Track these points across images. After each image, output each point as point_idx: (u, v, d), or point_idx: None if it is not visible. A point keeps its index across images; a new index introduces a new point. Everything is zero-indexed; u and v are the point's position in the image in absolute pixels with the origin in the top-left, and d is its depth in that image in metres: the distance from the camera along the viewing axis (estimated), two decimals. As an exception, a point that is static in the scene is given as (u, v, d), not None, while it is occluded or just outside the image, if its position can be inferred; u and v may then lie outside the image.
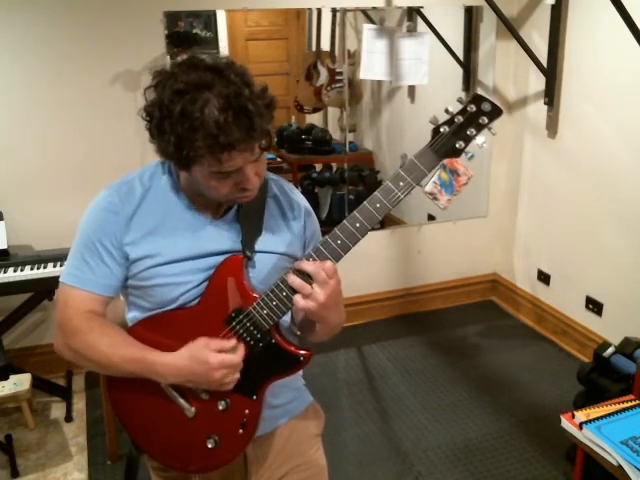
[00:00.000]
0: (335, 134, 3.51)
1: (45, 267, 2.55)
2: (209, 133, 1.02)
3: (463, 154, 1.09)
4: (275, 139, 3.47)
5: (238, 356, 1.16)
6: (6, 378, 2.47)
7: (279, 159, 3.50)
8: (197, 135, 1.03)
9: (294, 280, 1.12)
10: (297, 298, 1.12)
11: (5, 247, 2.62)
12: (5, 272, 2.51)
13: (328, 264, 1.12)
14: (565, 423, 1.97)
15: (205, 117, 1.02)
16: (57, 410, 2.83)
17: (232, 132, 1.03)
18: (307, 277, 1.12)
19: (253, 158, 1.10)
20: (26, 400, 2.65)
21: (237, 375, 1.17)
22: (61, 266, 2.55)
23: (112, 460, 2.47)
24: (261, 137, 1.08)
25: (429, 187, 3.07)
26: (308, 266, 1.12)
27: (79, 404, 2.87)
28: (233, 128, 1.03)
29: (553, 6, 2.96)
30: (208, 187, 1.13)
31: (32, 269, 2.54)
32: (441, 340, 3.40)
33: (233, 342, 1.18)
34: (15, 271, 2.52)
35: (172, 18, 2.84)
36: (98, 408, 2.71)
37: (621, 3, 2.44)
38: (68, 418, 2.76)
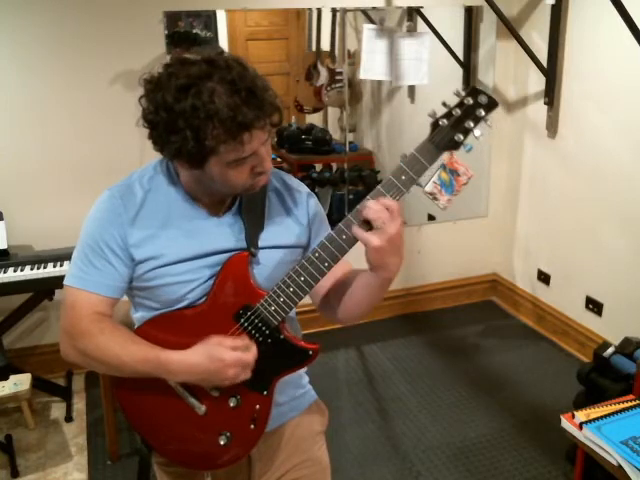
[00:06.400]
0: (335, 134, 3.51)
1: (45, 267, 2.55)
2: (226, 117, 1.03)
3: (462, 146, 1.10)
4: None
5: (251, 355, 1.17)
6: (6, 378, 2.47)
7: (279, 159, 3.51)
8: (214, 123, 1.03)
9: (368, 212, 1.08)
10: (368, 235, 1.08)
11: (5, 247, 2.62)
12: (5, 272, 2.51)
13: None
14: (565, 423, 1.97)
15: (217, 105, 1.03)
16: (57, 410, 2.83)
17: (247, 112, 1.04)
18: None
19: (266, 137, 1.11)
20: (26, 400, 2.65)
21: (249, 374, 1.17)
22: (61, 266, 2.55)
23: (112, 460, 2.47)
24: (272, 112, 1.10)
25: (429, 187, 3.07)
26: (372, 210, 1.08)
27: (79, 404, 2.87)
28: (246, 108, 1.04)
29: (553, 6, 2.96)
30: (226, 179, 1.13)
31: (32, 269, 2.54)
32: (441, 340, 3.40)
33: (246, 341, 1.18)
34: (15, 271, 2.52)
35: (172, 18, 2.84)
36: (98, 408, 2.71)
37: (621, 3, 2.44)
38: (68, 418, 2.76)
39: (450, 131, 1.08)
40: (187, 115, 1.04)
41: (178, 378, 1.19)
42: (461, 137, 1.08)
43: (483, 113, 1.07)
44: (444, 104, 1.08)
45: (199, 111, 1.03)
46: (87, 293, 1.19)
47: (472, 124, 1.08)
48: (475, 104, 1.07)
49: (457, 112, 1.07)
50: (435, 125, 1.08)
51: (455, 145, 1.09)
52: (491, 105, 1.07)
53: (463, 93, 1.07)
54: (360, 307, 1.26)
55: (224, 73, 1.05)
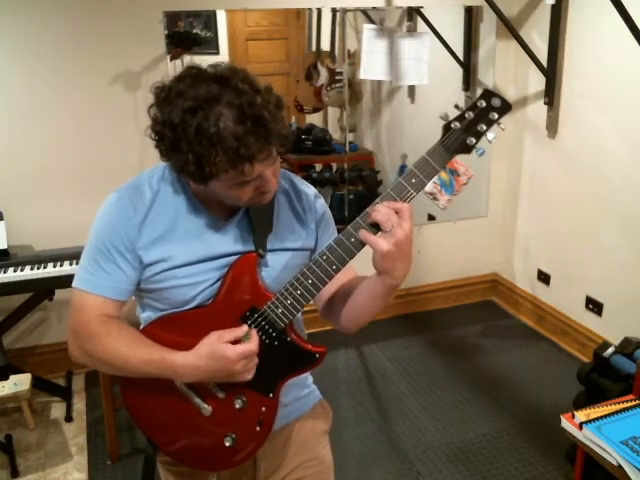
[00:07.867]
0: (335, 134, 3.51)
1: (45, 267, 2.55)
2: (229, 147, 1.01)
3: (474, 150, 1.08)
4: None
5: (253, 343, 1.15)
6: (6, 378, 2.47)
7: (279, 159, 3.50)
8: (217, 151, 1.01)
9: (376, 215, 1.07)
10: (376, 239, 1.07)
11: (5, 247, 2.61)
12: (5, 272, 2.50)
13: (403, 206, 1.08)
14: (565, 423, 1.98)
15: (222, 132, 1.00)
16: (57, 410, 2.83)
17: (252, 143, 1.02)
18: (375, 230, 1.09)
19: (271, 162, 1.10)
20: (26, 400, 2.64)
21: (256, 360, 1.16)
22: (61, 266, 2.55)
23: (112, 460, 2.47)
24: (279, 142, 1.08)
25: (429, 187, 3.07)
26: (380, 213, 1.07)
27: (79, 404, 2.87)
28: (252, 139, 1.02)
29: (553, 6, 2.96)
30: (229, 196, 1.13)
31: (32, 269, 2.53)
32: (441, 340, 3.40)
33: (245, 328, 1.17)
34: (15, 271, 2.51)
35: (172, 18, 2.84)
36: (98, 408, 2.71)
37: (621, 3, 2.44)
38: (68, 418, 2.75)
39: (462, 134, 1.06)
40: (190, 139, 1.02)
41: (186, 379, 1.19)
42: (473, 140, 1.07)
43: (496, 116, 1.06)
44: (457, 106, 1.07)
45: (203, 137, 1.01)
46: (95, 296, 1.19)
47: (485, 127, 1.06)
48: (488, 107, 1.05)
49: (470, 115, 1.06)
50: (447, 128, 1.07)
51: (467, 148, 1.07)
52: (504, 108, 1.06)
53: (476, 95, 1.06)
54: (363, 314, 1.25)
55: (233, 97, 1.02)
